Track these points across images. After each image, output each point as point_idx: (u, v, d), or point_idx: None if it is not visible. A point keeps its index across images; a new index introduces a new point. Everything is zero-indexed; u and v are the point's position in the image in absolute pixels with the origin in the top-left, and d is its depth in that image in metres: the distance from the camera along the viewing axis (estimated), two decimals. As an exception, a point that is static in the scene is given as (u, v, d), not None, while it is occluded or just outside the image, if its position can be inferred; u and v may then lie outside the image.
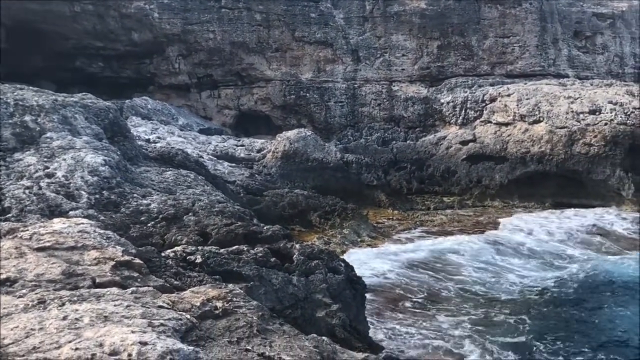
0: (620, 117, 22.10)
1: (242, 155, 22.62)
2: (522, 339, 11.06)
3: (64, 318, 4.62)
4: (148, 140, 20.01)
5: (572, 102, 23.01)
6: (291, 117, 26.70)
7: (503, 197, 22.52)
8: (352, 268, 10.09)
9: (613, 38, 29.96)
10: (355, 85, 26.33)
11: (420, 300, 12.66)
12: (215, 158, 21.21)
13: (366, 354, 5.56)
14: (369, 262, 14.76)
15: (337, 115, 26.19)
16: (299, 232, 16.99)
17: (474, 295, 13.20)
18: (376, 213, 20.66)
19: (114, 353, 4.08)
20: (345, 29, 26.42)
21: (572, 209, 21.52)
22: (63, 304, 4.94)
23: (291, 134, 22.71)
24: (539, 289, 13.77)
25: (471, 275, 14.53)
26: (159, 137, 21.10)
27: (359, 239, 17.06)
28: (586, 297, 13.47)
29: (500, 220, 19.87)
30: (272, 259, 8.93)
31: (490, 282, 14.10)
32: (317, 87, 26.31)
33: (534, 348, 10.70)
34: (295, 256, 9.32)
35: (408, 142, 24.98)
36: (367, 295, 10.58)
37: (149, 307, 5.22)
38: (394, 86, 26.39)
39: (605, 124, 22.06)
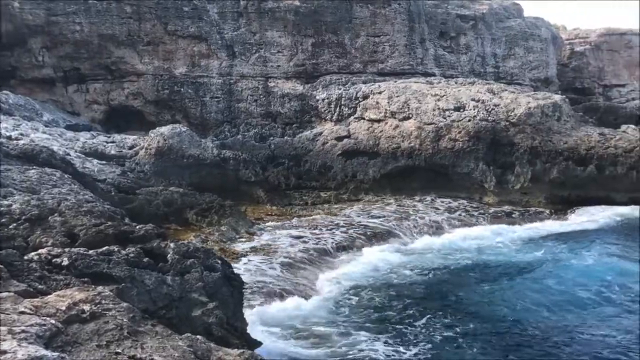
0: (482, 113, 23.50)
1: (112, 152, 21.76)
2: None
3: None
4: (9, 138, 18.69)
5: (438, 100, 24.16)
6: (165, 113, 26.03)
7: (376, 191, 23.22)
8: (229, 265, 9.99)
9: (475, 39, 31.80)
10: (231, 81, 26.13)
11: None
12: (83, 155, 20.25)
13: (242, 351, 5.54)
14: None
15: (213, 110, 25.86)
16: (174, 230, 16.61)
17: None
18: (254, 209, 20.62)
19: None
20: (219, 24, 26.13)
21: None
22: None
23: (165, 129, 22.15)
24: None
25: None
26: (21, 134, 19.77)
27: (237, 236, 16.96)
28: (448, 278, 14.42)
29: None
30: (145, 259, 8.65)
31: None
32: (192, 82, 25.83)
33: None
34: (169, 255, 9.08)
35: (285, 138, 25.15)
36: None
37: (9, 314, 4.93)
38: (270, 82, 26.45)
39: (469, 120, 23.37)
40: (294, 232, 17.64)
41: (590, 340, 10.92)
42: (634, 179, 22.08)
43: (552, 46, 36.91)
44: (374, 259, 15.87)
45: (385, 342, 10.83)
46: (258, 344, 9.01)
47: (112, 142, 22.56)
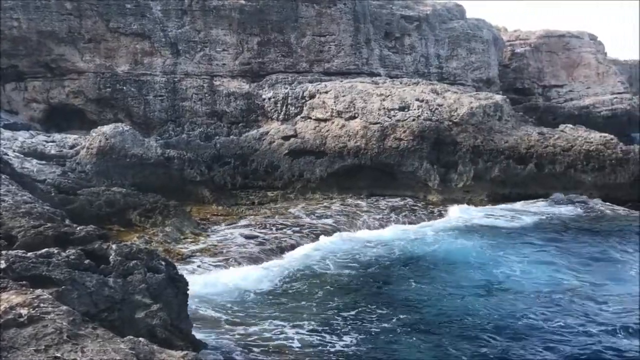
0: (426, 113, 23.88)
1: (53, 152, 21.20)
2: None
3: None
4: (-59, 137, 18.04)
5: (383, 100, 24.43)
6: (107, 112, 25.46)
7: (324, 190, 23.30)
8: (173, 266, 9.88)
9: (419, 39, 32.29)
10: (176, 79, 25.77)
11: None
12: (22, 155, 19.67)
13: (185, 352, 5.49)
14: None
15: (157, 109, 25.44)
16: (117, 231, 16.34)
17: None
18: (200, 209, 20.44)
19: None
20: (163, 22, 25.73)
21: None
22: None
23: (107, 129, 21.71)
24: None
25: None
26: (-46, 133, 19.10)
27: (182, 237, 16.77)
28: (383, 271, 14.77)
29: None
30: (86, 261, 8.46)
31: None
32: (135, 80, 25.35)
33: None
34: (111, 257, 8.91)
35: (231, 137, 24.95)
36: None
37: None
38: (215, 81, 26.20)
39: (413, 120, 23.71)
40: (242, 232, 17.60)
41: (513, 325, 11.44)
42: (572, 177, 22.84)
43: (494, 47, 37.81)
44: (312, 253, 16.06)
45: (316, 331, 11.04)
46: (203, 345, 8.95)
47: (52, 141, 21.97)
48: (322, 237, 17.57)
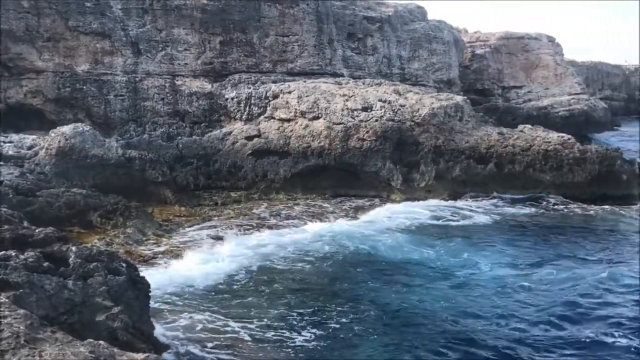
0: (389, 114, 24.09)
1: (10, 152, 20.76)
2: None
3: None
4: None
5: (347, 100, 24.56)
6: (67, 112, 24.99)
7: (288, 191, 23.31)
8: (135, 268, 9.79)
9: (382, 40, 32.53)
10: (137, 79, 25.45)
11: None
12: (-22, 157, 19.19)
13: (147, 355, 5.46)
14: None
15: (118, 109, 25.07)
16: (77, 233, 16.10)
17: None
18: (162, 210, 20.25)
19: None
20: (124, 21, 25.40)
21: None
22: None
23: (67, 129, 21.35)
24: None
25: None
26: None
27: (143, 238, 16.59)
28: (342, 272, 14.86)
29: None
30: (45, 264, 8.34)
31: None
32: (95, 80, 24.94)
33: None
34: (71, 259, 8.80)
35: (194, 137, 24.75)
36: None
37: None
38: (177, 80, 25.98)
39: (376, 120, 23.90)
40: (208, 233, 17.54)
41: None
42: (530, 176, 23.27)
43: (454, 49, 38.33)
44: (269, 251, 16.10)
45: (274, 328, 11.13)
46: (165, 347, 8.89)
47: (10, 142, 21.51)
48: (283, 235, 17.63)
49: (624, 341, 10.83)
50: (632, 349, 10.56)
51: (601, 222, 20.21)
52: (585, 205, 21.98)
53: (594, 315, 12.04)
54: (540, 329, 11.36)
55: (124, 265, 9.39)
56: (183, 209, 20.62)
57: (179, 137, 24.53)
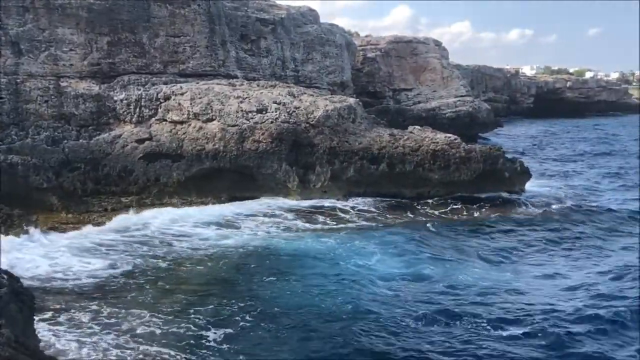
0: (284, 115, 24.18)
1: None
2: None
3: None
4: None
5: (241, 102, 24.41)
6: (-61, 115, 23.23)
7: (181, 195, 22.87)
8: (17, 279, 9.23)
9: (275, 42, 32.56)
10: (18, 80, 23.98)
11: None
12: None
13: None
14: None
15: (-3, 113, 23.57)
16: (-48, 245, 15.02)
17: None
18: (48, 218, 19.37)
19: None
20: (2, 19, 23.84)
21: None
22: None
23: (-61, 134, 19.86)
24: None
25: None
26: None
27: (27, 248, 15.73)
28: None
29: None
30: None
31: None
32: (-29, 82, 23.33)
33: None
34: (-56, 272, 8.17)
35: (81, 141, 23.67)
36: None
37: None
38: (62, 82, 24.75)
39: (271, 122, 23.91)
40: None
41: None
42: (420, 175, 24.10)
43: (347, 52, 39.03)
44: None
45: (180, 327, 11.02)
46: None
47: None
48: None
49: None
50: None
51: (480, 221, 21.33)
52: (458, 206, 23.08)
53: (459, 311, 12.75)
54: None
55: (5, 277, 8.83)
56: (70, 216, 19.84)
57: (65, 141, 23.38)
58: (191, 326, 11.23)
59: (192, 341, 10.61)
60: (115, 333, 10.99)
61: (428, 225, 20.39)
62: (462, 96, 50.66)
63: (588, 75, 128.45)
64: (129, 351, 10.35)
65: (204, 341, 10.65)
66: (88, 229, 18.68)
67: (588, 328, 11.74)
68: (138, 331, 11.04)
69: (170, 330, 11.01)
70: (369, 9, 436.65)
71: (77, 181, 22.19)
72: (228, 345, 10.58)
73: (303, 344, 10.82)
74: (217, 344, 10.61)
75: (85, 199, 21.70)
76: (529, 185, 25.56)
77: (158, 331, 10.96)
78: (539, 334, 11.44)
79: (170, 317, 11.60)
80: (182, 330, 11.01)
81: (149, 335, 10.84)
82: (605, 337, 11.46)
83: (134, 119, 24.47)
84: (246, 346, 10.61)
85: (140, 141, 23.68)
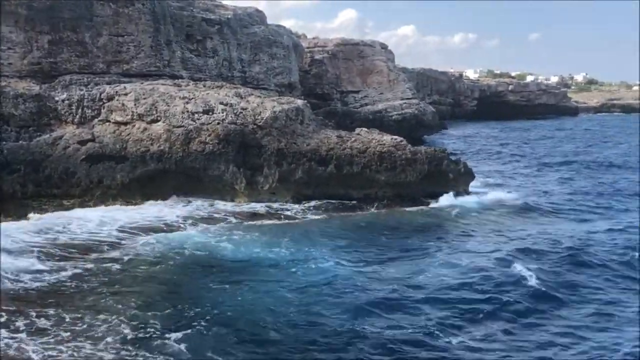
0: (231, 117, 23.99)
1: None
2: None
3: None
4: None
5: (187, 103, 24.10)
6: None
7: (125, 197, 22.41)
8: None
9: (222, 43, 32.30)
10: (-48, 79, 23.16)
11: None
12: None
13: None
14: None
15: None
16: None
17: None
18: (-15, 221, 18.60)
19: None
20: None
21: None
22: None
23: None
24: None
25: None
26: None
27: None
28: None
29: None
30: None
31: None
32: None
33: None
34: None
35: (20, 142, 22.92)
36: None
37: None
38: (1, 82, 23.96)
39: (218, 124, 23.68)
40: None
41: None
42: (367, 177, 24.27)
43: (294, 53, 39.05)
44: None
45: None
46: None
47: None
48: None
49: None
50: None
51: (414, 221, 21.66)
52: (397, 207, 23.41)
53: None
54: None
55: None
56: (10, 219, 19.14)
57: (4, 143, 22.59)
58: (154, 330, 11.04)
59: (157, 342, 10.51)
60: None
61: (364, 224, 20.68)
62: (408, 99, 51.37)
63: (529, 79, 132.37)
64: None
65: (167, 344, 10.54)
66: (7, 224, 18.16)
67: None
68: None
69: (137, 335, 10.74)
70: (315, 11, 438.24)
71: (16, 184, 21.50)
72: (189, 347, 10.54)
73: (258, 346, 10.80)
74: (179, 346, 10.54)
75: (26, 201, 21.04)
76: (474, 186, 26.05)
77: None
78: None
79: (132, 322, 11.34)
80: (141, 334, 10.80)
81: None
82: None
83: (76, 120, 23.87)
84: (205, 348, 10.58)
85: (83, 142, 23.09)
